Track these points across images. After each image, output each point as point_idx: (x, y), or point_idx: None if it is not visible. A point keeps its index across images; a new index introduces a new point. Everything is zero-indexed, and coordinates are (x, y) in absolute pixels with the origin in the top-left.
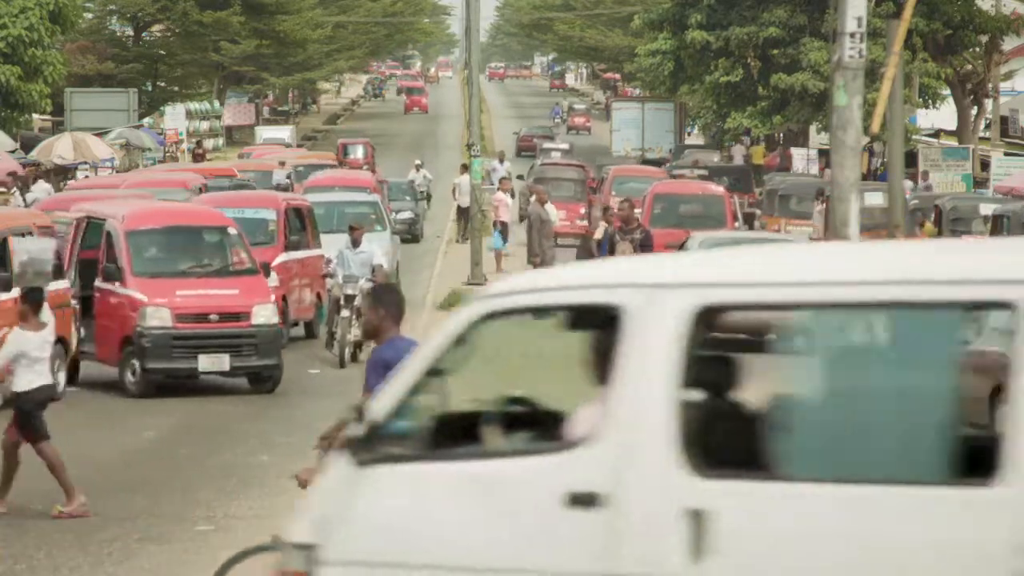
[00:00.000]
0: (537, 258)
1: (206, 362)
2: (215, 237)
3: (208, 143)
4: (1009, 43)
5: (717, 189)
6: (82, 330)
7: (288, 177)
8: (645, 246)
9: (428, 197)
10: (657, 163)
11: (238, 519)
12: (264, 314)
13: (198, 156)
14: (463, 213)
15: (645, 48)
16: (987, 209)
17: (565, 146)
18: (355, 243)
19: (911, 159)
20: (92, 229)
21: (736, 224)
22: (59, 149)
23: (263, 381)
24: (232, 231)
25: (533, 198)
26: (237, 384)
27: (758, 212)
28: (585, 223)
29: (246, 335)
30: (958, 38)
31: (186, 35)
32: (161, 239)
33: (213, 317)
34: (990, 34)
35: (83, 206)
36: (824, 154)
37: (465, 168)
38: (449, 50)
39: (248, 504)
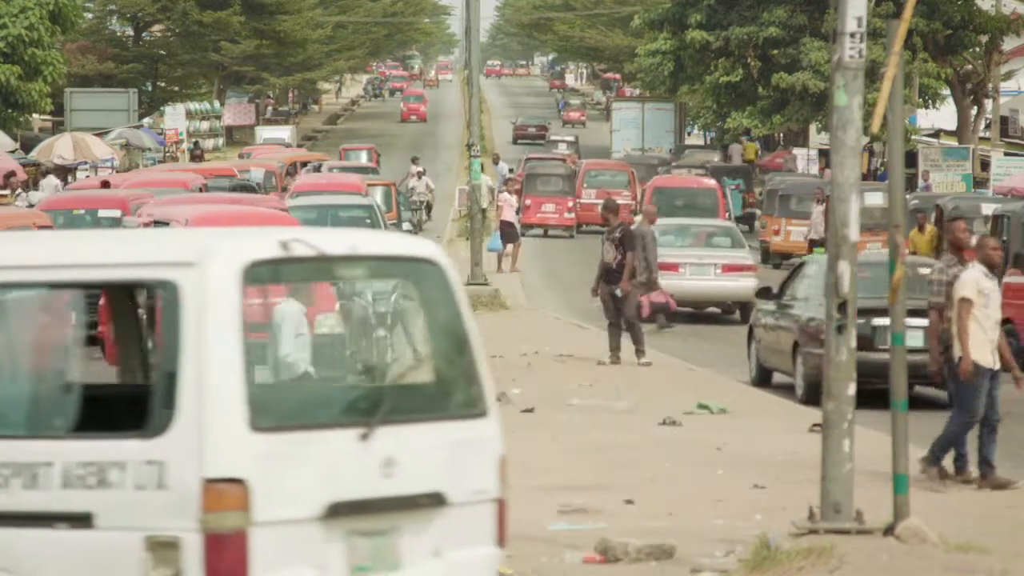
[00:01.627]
0: (649, 274)
1: None
2: None
3: (208, 143)
4: (1009, 43)
5: (710, 183)
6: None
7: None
8: (622, 243)
9: (428, 207)
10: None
11: None
12: (327, 324)
13: (196, 156)
14: (483, 214)
15: (645, 48)
16: (989, 209)
17: (571, 138)
18: None
19: (911, 159)
20: None
21: (727, 215)
22: (59, 149)
23: None
24: None
25: (638, 218)
26: None
27: (758, 212)
28: (572, 217)
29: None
30: (958, 38)
31: (186, 35)
32: None
33: None
34: (990, 34)
35: (150, 210)
36: (824, 154)
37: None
38: (449, 50)
39: None
